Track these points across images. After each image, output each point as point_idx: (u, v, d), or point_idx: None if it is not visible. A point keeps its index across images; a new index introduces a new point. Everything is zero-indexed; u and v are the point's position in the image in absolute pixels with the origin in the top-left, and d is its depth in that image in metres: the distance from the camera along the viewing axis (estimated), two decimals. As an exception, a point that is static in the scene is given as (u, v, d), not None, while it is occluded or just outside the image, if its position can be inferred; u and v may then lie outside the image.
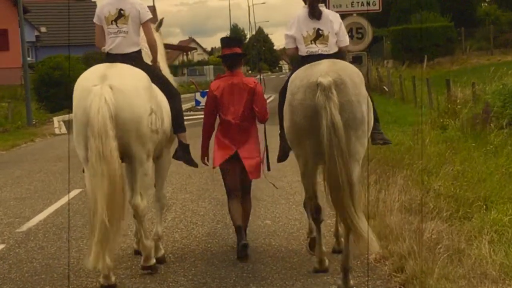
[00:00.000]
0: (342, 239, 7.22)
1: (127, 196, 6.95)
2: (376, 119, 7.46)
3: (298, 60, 7.54)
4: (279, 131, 7.71)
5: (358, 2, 17.28)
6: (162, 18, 8.97)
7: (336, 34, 7.45)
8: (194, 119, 20.07)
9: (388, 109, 23.42)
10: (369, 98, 6.97)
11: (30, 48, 51.27)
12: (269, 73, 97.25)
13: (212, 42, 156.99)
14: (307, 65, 6.98)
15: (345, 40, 7.65)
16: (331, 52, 7.40)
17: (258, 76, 8.72)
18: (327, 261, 7.23)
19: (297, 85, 6.79)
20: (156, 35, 8.11)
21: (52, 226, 9.81)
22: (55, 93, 34.09)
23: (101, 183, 6.40)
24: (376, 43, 48.38)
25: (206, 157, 8.20)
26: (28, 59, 39.26)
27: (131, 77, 6.97)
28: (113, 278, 6.82)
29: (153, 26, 8.10)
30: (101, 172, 6.40)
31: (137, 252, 7.92)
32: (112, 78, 6.73)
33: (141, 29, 7.63)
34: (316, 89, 6.46)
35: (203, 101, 27.75)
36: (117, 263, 7.42)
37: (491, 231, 7.63)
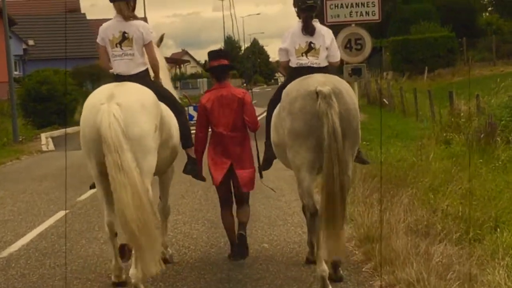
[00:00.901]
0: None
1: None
2: None
3: (288, 72, 7.78)
4: (265, 140, 7.93)
5: (357, 12, 16.85)
6: (163, 34, 9.16)
7: (327, 48, 7.65)
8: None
9: (389, 122, 23.03)
10: None
11: (18, 62, 50.41)
12: (265, 86, 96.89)
13: (206, 54, 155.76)
14: (300, 78, 7.17)
15: (336, 56, 7.83)
16: (322, 65, 7.60)
17: (250, 90, 8.82)
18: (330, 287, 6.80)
19: (294, 95, 6.95)
20: (156, 51, 8.19)
21: (35, 251, 9.29)
22: (42, 108, 33.09)
23: (125, 194, 6.45)
24: (375, 54, 48.08)
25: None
26: (16, 73, 38.51)
27: (137, 95, 7.08)
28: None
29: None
30: (122, 183, 6.47)
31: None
32: (119, 97, 6.85)
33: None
34: (315, 97, 6.68)
35: (196, 115, 27.18)
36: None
37: (504, 255, 7.19)
